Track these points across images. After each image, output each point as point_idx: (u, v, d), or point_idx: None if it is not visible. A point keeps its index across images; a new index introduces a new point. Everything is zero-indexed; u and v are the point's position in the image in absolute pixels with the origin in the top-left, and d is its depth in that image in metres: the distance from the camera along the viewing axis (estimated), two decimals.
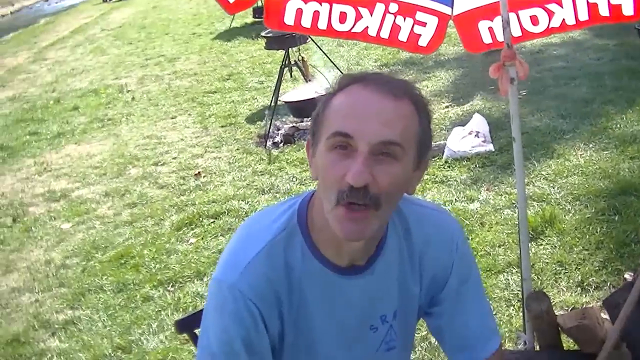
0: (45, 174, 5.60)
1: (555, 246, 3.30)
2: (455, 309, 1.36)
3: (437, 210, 1.41)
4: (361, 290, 1.28)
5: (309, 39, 5.87)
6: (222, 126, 6.02)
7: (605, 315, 2.18)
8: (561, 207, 3.63)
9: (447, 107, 5.45)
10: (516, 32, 2.26)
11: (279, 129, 5.46)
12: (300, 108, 5.52)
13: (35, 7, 20.47)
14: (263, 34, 6.30)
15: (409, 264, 1.32)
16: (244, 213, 4.25)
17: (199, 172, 5.06)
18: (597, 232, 3.32)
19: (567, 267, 3.12)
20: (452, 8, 2.29)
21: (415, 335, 2.72)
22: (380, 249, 1.28)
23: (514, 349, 2.62)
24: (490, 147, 4.48)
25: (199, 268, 3.67)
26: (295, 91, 5.83)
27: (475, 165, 4.32)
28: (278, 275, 1.23)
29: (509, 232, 3.47)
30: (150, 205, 4.64)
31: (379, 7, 2.24)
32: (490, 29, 2.30)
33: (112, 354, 3.10)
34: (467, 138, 4.55)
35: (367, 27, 2.26)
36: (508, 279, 3.11)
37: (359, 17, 2.25)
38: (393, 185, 1.13)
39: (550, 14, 2.22)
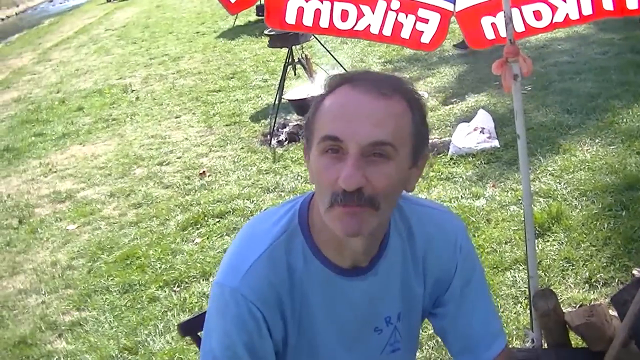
0: (51, 175, 5.61)
1: (562, 242, 3.28)
2: (459, 311, 1.35)
3: (439, 209, 1.40)
4: (364, 292, 1.27)
5: (312, 36, 5.86)
6: (226, 125, 6.01)
7: (613, 313, 2.16)
8: (568, 203, 3.60)
9: (451, 103, 5.43)
10: (519, 27, 2.24)
11: (283, 127, 5.45)
12: (305, 106, 5.48)
13: (40, 8, 20.56)
14: (266, 32, 6.28)
15: (412, 264, 1.31)
16: (249, 212, 4.24)
17: (203, 172, 5.05)
18: (604, 228, 3.30)
19: (574, 263, 3.10)
20: (455, 4, 2.27)
21: (422, 333, 2.73)
22: (382, 250, 1.27)
23: (521, 347, 2.61)
24: (496, 143, 4.45)
25: (204, 268, 3.67)
26: (299, 89, 5.81)
27: (481, 162, 4.30)
28: (280, 277, 1.22)
29: (516, 228, 3.45)
30: (156, 205, 4.64)
31: (381, 5, 2.22)
32: (493, 24, 2.28)
33: (119, 355, 3.10)
34: (472, 134, 4.53)
35: (369, 24, 2.24)
36: (515, 276, 3.09)
37: (360, 14, 2.23)
38: (388, 185, 1.12)
39: (554, 8, 2.20)
